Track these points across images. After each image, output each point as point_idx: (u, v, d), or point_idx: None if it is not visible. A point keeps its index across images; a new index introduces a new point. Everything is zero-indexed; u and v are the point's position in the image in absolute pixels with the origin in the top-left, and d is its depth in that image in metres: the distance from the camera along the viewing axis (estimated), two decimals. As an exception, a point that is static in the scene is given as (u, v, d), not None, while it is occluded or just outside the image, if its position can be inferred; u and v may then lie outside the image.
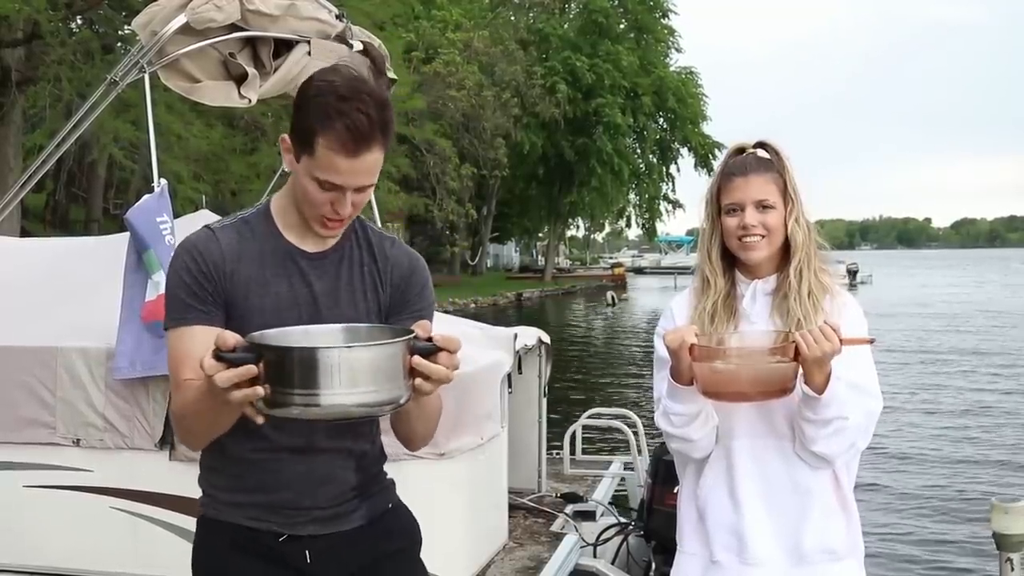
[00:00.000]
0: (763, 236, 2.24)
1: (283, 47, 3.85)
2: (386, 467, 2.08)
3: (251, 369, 1.51)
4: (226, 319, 1.84)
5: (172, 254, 1.94)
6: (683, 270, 55.91)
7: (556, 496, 4.76)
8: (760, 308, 2.27)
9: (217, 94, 3.78)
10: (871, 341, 2.14)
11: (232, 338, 1.55)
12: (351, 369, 1.49)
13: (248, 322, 1.79)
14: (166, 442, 3.42)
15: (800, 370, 2.02)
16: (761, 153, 2.28)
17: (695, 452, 2.23)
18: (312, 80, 1.80)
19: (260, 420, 1.58)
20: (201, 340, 1.77)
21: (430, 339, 1.61)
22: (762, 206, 2.24)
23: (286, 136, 1.83)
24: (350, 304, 1.90)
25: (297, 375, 1.49)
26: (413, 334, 1.59)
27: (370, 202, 2.13)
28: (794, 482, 2.19)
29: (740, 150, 2.30)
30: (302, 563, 1.90)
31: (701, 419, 2.17)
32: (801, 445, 2.14)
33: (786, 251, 2.25)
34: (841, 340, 2.01)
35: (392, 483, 2.08)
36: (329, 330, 1.76)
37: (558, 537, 4.11)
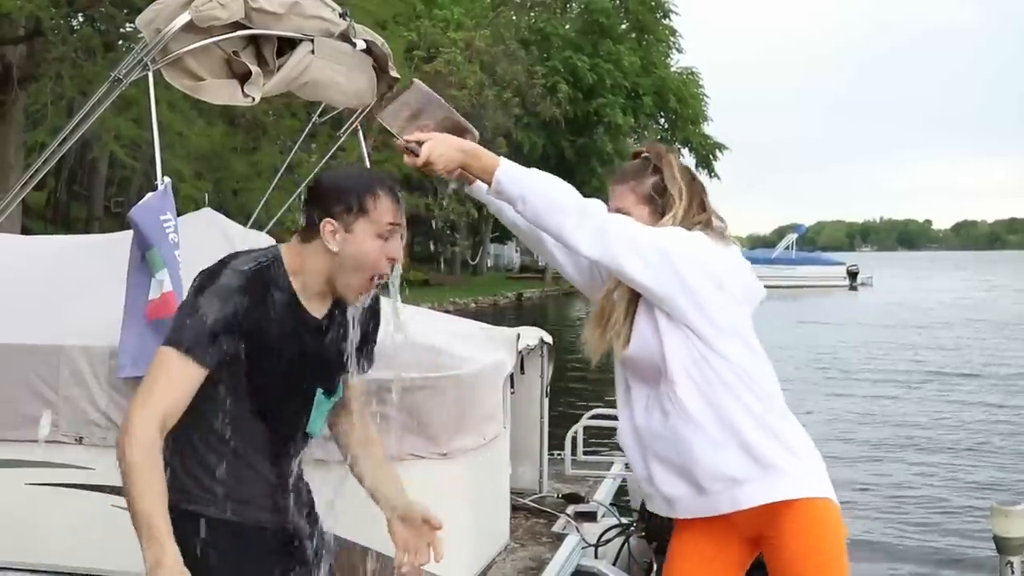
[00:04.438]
0: None
1: (286, 45, 3.84)
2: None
3: None
4: (236, 363, 2.05)
5: (225, 275, 2.07)
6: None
7: (558, 497, 4.76)
8: None
9: (221, 92, 3.76)
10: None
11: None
12: None
13: (258, 376, 2.07)
14: (168, 441, 3.41)
15: None
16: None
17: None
18: (327, 174, 2.19)
19: None
20: (194, 383, 2.01)
21: None
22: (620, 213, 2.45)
23: (330, 220, 2.08)
24: (335, 356, 2.21)
25: None
26: None
27: None
28: (671, 429, 2.39)
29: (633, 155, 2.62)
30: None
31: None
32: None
33: None
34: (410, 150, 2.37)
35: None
36: None
37: (560, 538, 4.11)
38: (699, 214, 2.49)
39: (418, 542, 2.31)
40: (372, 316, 2.32)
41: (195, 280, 2.11)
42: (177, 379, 2.01)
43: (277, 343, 2.08)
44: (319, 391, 2.22)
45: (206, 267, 2.13)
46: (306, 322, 2.14)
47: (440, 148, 2.34)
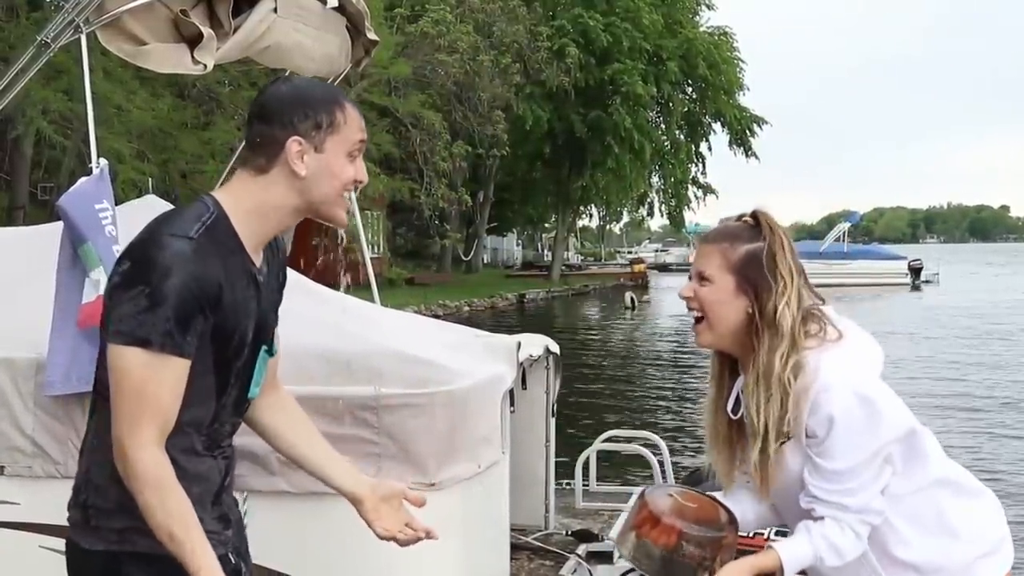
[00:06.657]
0: (700, 315, 2.44)
1: (244, 3, 3.86)
2: None
3: None
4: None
5: (171, 245, 2.04)
6: (716, 267, 55.73)
7: (566, 534, 4.78)
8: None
9: (166, 59, 3.78)
10: None
11: None
12: None
13: (224, 343, 2.12)
14: (106, 470, 3.42)
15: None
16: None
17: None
18: (279, 85, 2.25)
19: None
20: (182, 379, 2.03)
21: None
22: (701, 277, 2.43)
23: (298, 139, 2.12)
24: (273, 308, 2.33)
25: None
26: None
27: None
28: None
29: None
30: None
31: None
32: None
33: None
34: None
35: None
36: None
37: (569, 583, 4.13)
38: (811, 297, 2.46)
39: (398, 524, 2.40)
40: (283, 268, 2.42)
41: (128, 255, 2.07)
42: (160, 385, 2.00)
43: (238, 307, 2.13)
44: (263, 347, 2.28)
45: (138, 238, 2.09)
46: (254, 276, 2.20)
47: None
